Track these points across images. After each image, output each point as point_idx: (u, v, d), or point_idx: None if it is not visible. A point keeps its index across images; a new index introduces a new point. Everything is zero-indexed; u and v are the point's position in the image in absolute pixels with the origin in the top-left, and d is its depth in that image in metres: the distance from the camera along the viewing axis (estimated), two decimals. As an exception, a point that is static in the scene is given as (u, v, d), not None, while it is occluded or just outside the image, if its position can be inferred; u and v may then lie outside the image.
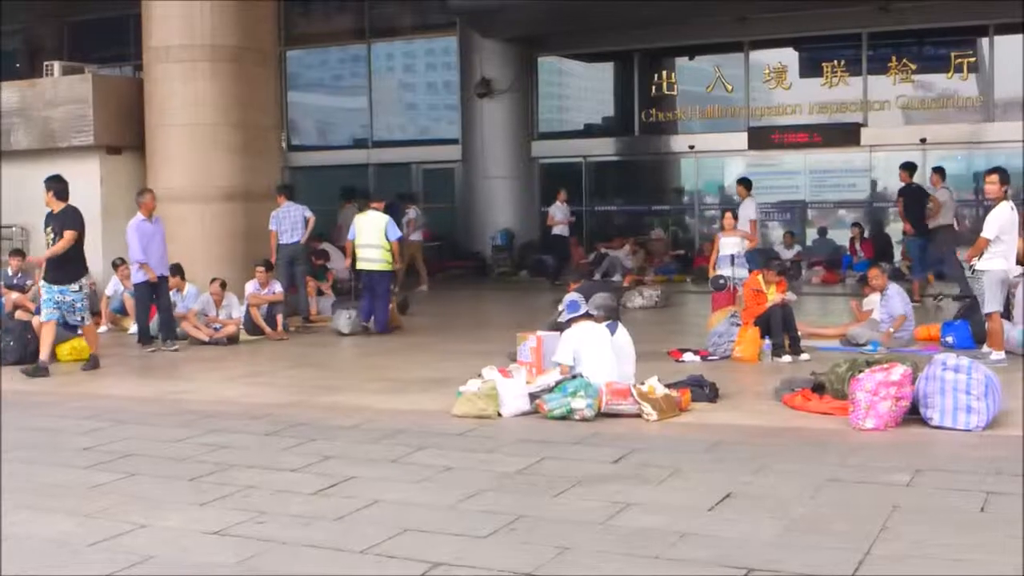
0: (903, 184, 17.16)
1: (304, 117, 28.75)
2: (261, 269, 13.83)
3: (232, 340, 13.23)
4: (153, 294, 13.01)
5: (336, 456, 7.09)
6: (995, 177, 10.49)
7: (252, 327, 13.69)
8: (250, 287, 13.86)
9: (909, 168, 17.25)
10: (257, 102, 15.75)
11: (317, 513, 5.74)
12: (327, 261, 17.29)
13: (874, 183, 22.77)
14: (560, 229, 21.30)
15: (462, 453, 7.09)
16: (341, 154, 27.37)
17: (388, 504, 5.90)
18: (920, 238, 16.72)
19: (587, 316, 9.01)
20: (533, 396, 8.31)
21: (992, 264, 10.36)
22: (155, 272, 12.83)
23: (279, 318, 13.86)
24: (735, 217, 14.34)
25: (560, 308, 9.66)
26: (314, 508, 5.85)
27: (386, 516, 5.65)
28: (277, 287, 14.01)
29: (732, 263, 13.70)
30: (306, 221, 15.01)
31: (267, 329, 13.70)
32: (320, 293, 15.95)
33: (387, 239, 13.87)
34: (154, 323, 13.06)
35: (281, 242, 14.92)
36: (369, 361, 11.95)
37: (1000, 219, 10.33)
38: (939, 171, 17.13)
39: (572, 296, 9.60)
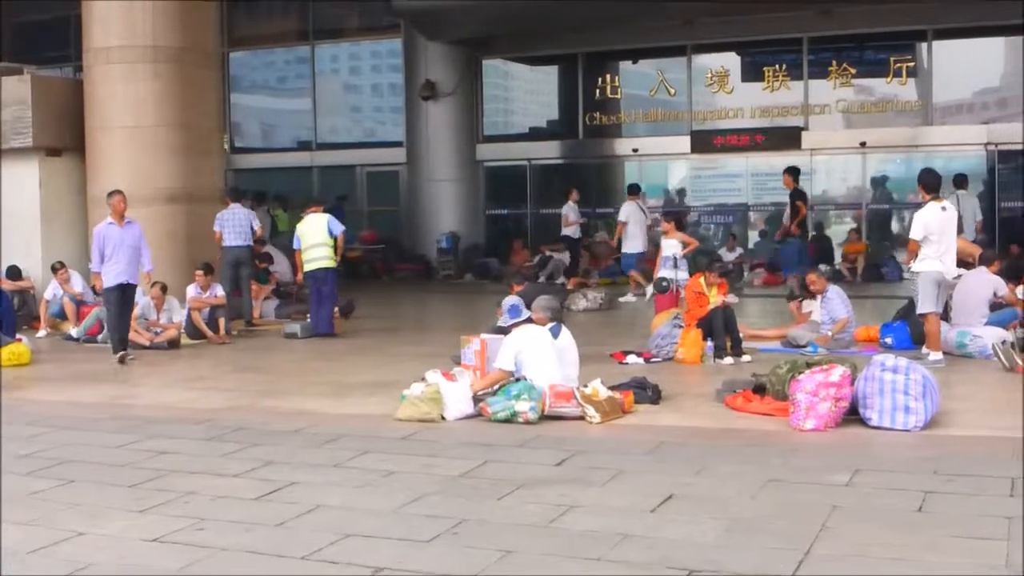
0: (790, 189, 18.07)
1: (247, 119, 28.57)
2: (200, 272, 13.71)
3: (173, 344, 13.10)
4: (124, 300, 12.24)
5: (278, 461, 7.04)
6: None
7: (193, 331, 13.57)
8: (191, 291, 13.74)
9: (793, 173, 17.85)
10: (199, 104, 15.63)
11: (258, 519, 5.70)
12: (271, 264, 17.18)
13: (816, 186, 22.98)
14: (571, 230, 20.61)
15: (405, 457, 7.07)
16: (285, 156, 27.22)
17: (330, 509, 5.88)
18: (798, 240, 17.60)
19: (528, 320, 9.01)
20: (477, 399, 8.32)
21: (926, 266, 10.52)
22: (122, 279, 12.07)
23: (221, 322, 13.74)
24: (670, 222, 14.44)
25: (499, 311, 9.66)
26: (255, 514, 5.81)
27: (328, 521, 5.63)
28: (219, 290, 13.90)
29: (675, 265, 13.78)
30: (253, 231, 14.97)
31: (209, 333, 13.59)
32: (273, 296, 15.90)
33: (331, 235, 13.88)
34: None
35: (225, 244, 14.84)
36: (313, 365, 11.89)
37: (925, 220, 10.49)
38: (791, 171, 18.12)
39: (512, 300, 9.60)
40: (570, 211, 20.45)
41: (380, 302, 18.39)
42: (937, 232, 10.50)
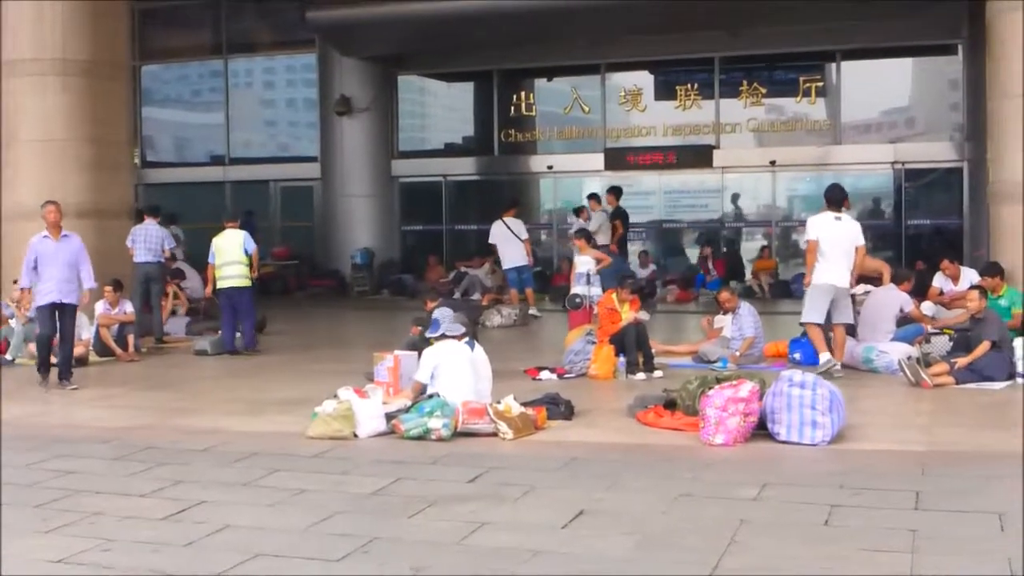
0: (611, 208, 18.51)
1: (159, 133, 28.19)
2: (109, 288, 13.49)
3: (81, 362, 12.83)
4: (57, 321, 11.35)
5: (187, 480, 6.95)
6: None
7: (102, 348, 13.34)
8: (99, 307, 13.51)
9: (616, 192, 18.25)
10: (110, 117, 15.42)
11: (166, 539, 5.61)
12: (182, 280, 16.97)
13: (726, 204, 23.31)
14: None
15: (316, 475, 7.02)
16: (197, 171, 26.90)
17: (240, 529, 5.81)
18: (620, 256, 18.01)
19: (443, 336, 9.01)
20: (389, 416, 8.29)
21: (818, 277, 10.76)
22: (54, 298, 11.21)
23: (130, 338, 13.53)
24: (588, 240, 14.52)
25: (414, 328, 9.66)
26: (163, 534, 5.73)
27: (238, 541, 5.57)
28: (128, 307, 13.69)
29: (588, 282, 13.87)
30: (162, 250, 14.78)
31: (118, 350, 13.37)
32: (174, 312, 15.67)
33: (246, 253, 13.76)
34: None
35: (137, 260, 14.64)
36: (224, 382, 11.76)
37: (817, 223, 10.80)
38: (595, 197, 18.69)
39: (439, 313, 9.61)
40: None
41: (293, 318, 18.24)
42: (829, 242, 10.75)
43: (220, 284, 13.77)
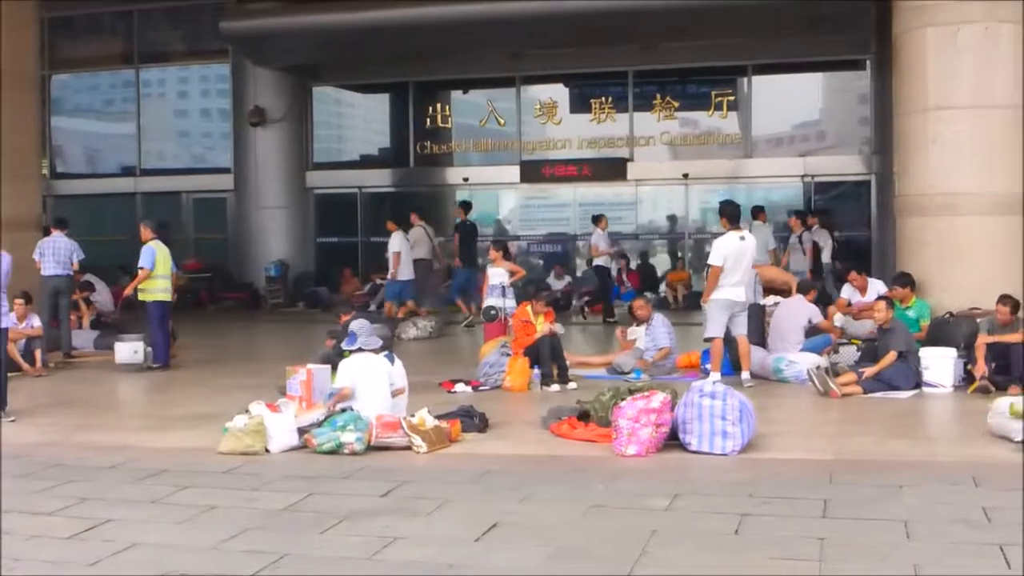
0: (458, 220, 18.89)
1: (69, 143, 27.68)
2: (20, 302, 13.18)
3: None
4: None
5: (94, 498, 6.82)
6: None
7: (9, 363, 13.02)
8: (5, 321, 13.17)
9: (465, 206, 18.78)
10: (17, 127, 15.10)
11: (72, 558, 5.51)
12: (91, 293, 16.67)
13: (640, 216, 23.51)
14: (602, 260, 19.30)
15: (227, 491, 6.93)
16: (108, 182, 26.42)
17: (148, 547, 5.72)
18: (467, 269, 18.51)
19: (361, 349, 8.96)
20: (302, 431, 8.22)
21: (718, 294, 10.91)
22: None
23: (38, 353, 13.24)
24: (498, 251, 14.51)
25: (328, 341, 9.60)
26: (69, 553, 5.62)
27: (146, 559, 5.48)
28: (36, 321, 13.39)
29: (502, 294, 13.88)
30: (71, 262, 14.48)
31: (24, 365, 13.07)
32: (80, 326, 15.39)
33: (172, 269, 13.58)
34: None
35: (44, 273, 14.34)
36: (133, 398, 11.58)
37: (724, 247, 10.94)
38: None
39: (357, 325, 9.54)
40: (600, 240, 19.31)
41: (205, 332, 18.01)
42: (733, 260, 10.90)
43: (153, 296, 13.40)
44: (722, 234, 11.26)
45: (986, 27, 12.59)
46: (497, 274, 14.05)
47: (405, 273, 17.76)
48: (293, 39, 22.06)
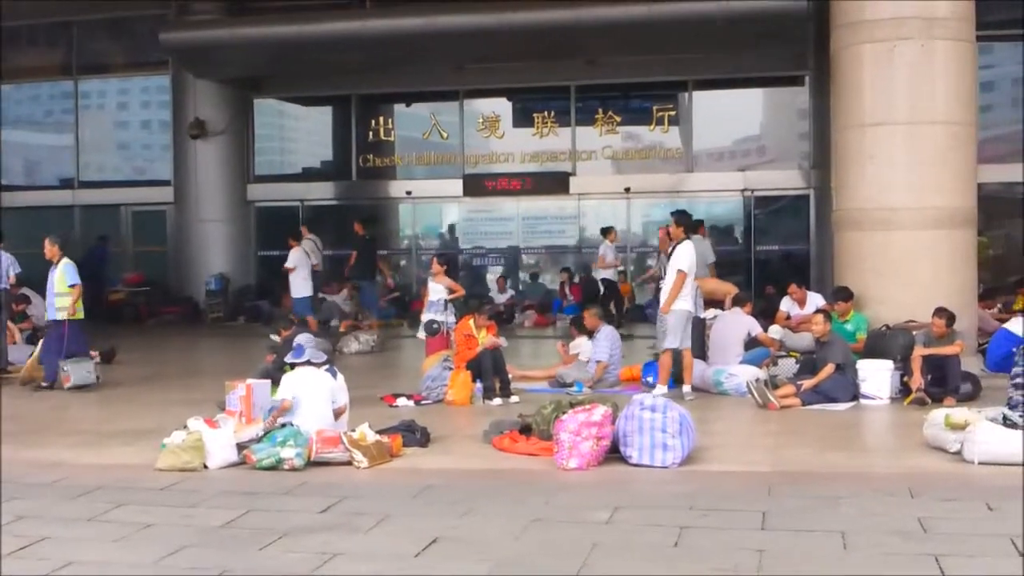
0: (359, 235, 19.01)
1: (6, 155, 27.17)
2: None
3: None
4: None
5: (29, 516, 6.71)
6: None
7: (-58, 379, 12.81)
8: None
9: (364, 223, 19.07)
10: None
11: (4, 578, 5.43)
12: (27, 306, 16.42)
13: (582, 229, 23.58)
14: (609, 273, 19.35)
15: (165, 508, 6.85)
16: (45, 194, 26.03)
17: (84, 565, 5.64)
18: (367, 283, 18.99)
19: (307, 363, 8.90)
20: (241, 447, 8.15)
21: (680, 304, 10.97)
22: None
23: (-28, 368, 13.03)
24: (442, 266, 14.45)
25: (268, 356, 9.53)
26: (5, 572, 5.52)
27: (80, 577, 5.41)
28: (-30, 336, 13.18)
29: (445, 308, 13.83)
30: (7, 276, 14.21)
31: (-42, 381, 12.85)
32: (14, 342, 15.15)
33: (68, 285, 13.11)
34: None
35: (-22, 288, 14.10)
36: (70, 414, 11.40)
37: (689, 253, 10.99)
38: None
39: (303, 339, 9.49)
40: (607, 251, 19.32)
41: (144, 347, 17.79)
42: (694, 268, 11.00)
43: (76, 314, 13.10)
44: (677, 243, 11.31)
45: (922, 44, 12.78)
46: (437, 289, 13.96)
47: (305, 288, 17.88)
48: (234, 51, 21.90)
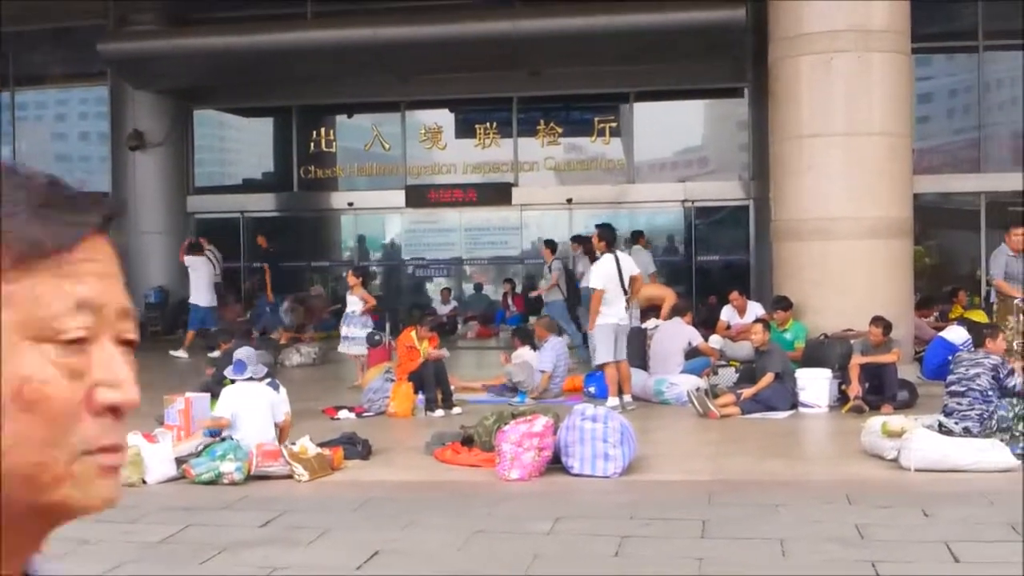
0: (263, 249, 19.71)
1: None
2: None
3: None
4: None
5: (-38, 533, 6.59)
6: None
7: None
8: None
9: (266, 237, 19.59)
10: None
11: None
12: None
13: (525, 241, 23.63)
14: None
15: (102, 525, 6.73)
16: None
17: (18, 582, 5.55)
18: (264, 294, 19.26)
19: (250, 378, 8.84)
20: (180, 461, 8.07)
21: (603, 319, 11.02)
22: None
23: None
24: (358, 277, 14.35)
25: (208, 369, 9.44)
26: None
27: (14, 595, 5.31)
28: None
29: (363, 323, 13.64)
30: None
31: None
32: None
33: None
34: None
35: None
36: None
37: (604, 270, 11.06)
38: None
39: (243, 353, 9.41)
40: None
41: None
42: (614, 283, 11.04)
43: None
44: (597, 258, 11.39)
45: (858, 56, 12.97)
46: (353, 302, 13.80)
47: (206, 299, 17.92)
48: (174, 62, 21.70)
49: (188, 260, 18.10)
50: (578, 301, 16.15)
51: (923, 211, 17.33)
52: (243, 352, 9.75)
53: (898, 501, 7.03)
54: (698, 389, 10.95)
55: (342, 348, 13.89)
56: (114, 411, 0.87)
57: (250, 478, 7.89)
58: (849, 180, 13.03)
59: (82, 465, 0.84)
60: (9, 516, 0.84)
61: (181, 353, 17.46)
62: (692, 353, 12.12)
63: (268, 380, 8.98)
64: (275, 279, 19.32)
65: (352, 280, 14.08)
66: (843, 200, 13.04)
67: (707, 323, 14.04)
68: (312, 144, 24.20)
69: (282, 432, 8.66)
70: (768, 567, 5.60)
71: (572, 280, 16.96)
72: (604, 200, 22.90)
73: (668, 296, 13.25)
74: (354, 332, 13.53)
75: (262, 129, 26.32)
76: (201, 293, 17.88)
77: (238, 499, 7.38)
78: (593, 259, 17.31)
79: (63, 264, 0.87)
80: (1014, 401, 8.49)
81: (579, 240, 17.95)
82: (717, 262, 22.64)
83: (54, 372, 0.83)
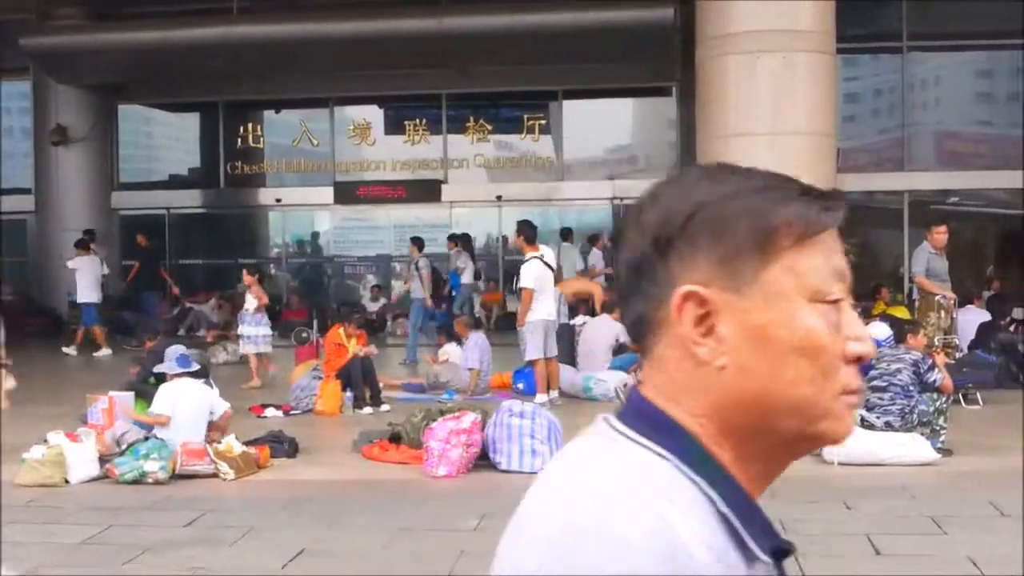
0: (141, 246, 19.96)
1: None
2: None
3: None
4: None
5: None
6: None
7: None
8: None
9: (145, 236, 19.91)
10: None
11: None
12: None
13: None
14: (599, 279, 18.29)
15: (25, 526, 6.66)
16: None
17: (-66, 586, 5.47)
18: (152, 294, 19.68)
19: (189, 373, 8.73)
20: (103, 460, 7.97)
21: (533, 316, 11.06)
22: None
23: None
24: (252, 275, 14.25)
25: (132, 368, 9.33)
26: None
27: (-69, 599, 5.23)
28: None
29: (258, 322, 13.58)
30: None
31: None
32: None
33: None
34: None
35: None
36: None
37: (534, 271, 11.09)
38: (83, 240, 19.08)
39: (176, 350, 9.27)
40: (597, 260, 18.37)
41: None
42: (543, 281, 11.10)
43: None
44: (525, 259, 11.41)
45: (784, 56, 13.14)
46: (250, 300, 13.68)
47: (95, 297, 18.05)
48: (98, 57, 21.39)
49: (73, 263, 17.94)
50: (446, 300, 16.99)
51: (848, 209, 17.55)
52: (172, 348, 9.62)
53: (821, 495, 7.13)
54: (626, 385, 11.01)
55: (244, 349, 13.77)
56: (857, 359, 1.10)
57: (175, 477, 7.81)
58: (775, 178, 13.17)
59: (839, 403, 1.09)
60: (773, 445, 1.14)
61: (71, 350, 17.64)
62: (620, 349, 12.19)
63: (204, 379, 8.90)
64: (179, 278, 19.22)
65: (248, 279, 13.93)
66: (768, 199, 13.17)
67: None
68: (239, 140, 24.01)
69: (222, 429, 8.59)
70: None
71: (439, 279, 17.16)
72: (533, 197, 22.98)
73: (596, 291, 13.32)
74: (248, 331, 13.43)
75: (188, 125, 26.03)
76: (88, 292, 17.85)
77: (162, 498, 7.31)
78: (473, 255, 17.75)
79: (826, 241, 1.13)
80: (934, 396, 8.66)
81: (455, 239, 18.17)
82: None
83: (824, 326, 1.07)
